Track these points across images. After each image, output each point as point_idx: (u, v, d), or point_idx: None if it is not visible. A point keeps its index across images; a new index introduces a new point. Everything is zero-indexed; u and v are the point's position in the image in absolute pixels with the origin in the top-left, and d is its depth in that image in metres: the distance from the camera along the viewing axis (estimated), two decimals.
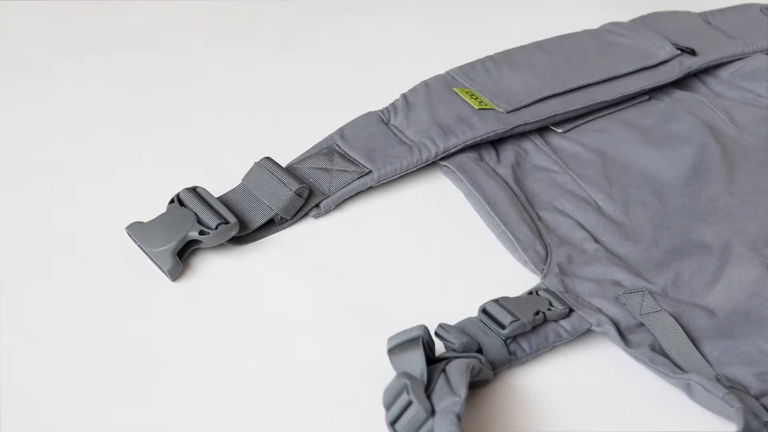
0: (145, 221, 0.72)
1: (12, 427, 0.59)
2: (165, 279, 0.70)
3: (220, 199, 0.75)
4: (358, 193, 0.79)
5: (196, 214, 0.71)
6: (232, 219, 0.71)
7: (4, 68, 0.95)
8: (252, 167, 0.77)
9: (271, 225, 0.75)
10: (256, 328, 0.67)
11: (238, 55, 0.99)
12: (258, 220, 0.74)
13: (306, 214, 0.77)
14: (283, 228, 0.76)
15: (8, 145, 0.84)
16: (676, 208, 0.78)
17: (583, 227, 0.76)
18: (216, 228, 0.70)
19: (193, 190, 0.74)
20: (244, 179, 0.77)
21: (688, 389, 0.61)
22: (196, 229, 0.70)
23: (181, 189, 0.74)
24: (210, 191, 0.75)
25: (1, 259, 0.71)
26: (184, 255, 0.71)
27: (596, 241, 0.75)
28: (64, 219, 0.76)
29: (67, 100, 0.90)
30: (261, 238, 0.75)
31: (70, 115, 0.88)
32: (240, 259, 0.73)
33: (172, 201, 0.74)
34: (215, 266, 0.72)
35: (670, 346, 0.65)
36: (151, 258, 0.71)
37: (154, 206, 0.75)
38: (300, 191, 0.75)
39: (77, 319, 0.67)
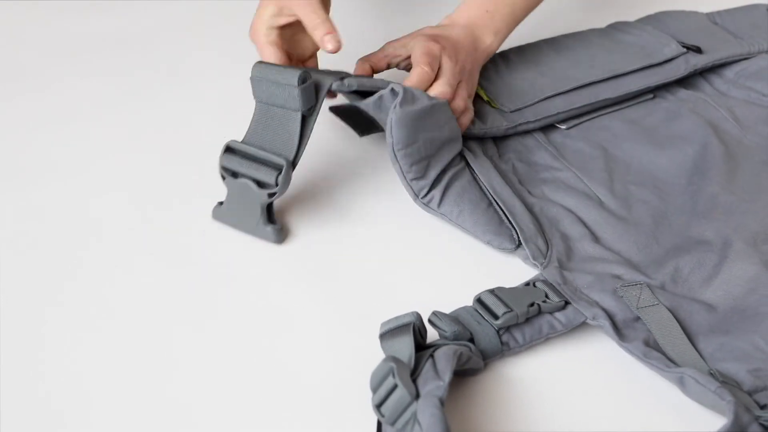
0: (220, 206, 0.76)
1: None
2: (171, 268, 0.72)
3: (247, 140, 0.75)
4: (357, 193, 0.80)
5: (254, 181, 0.73)
6: (282, 161, 0.73)
7: (4, 69, 0.96)
8: (252, 81, 0.76)
9: (308, 123, 0.74)
10: (263, 322, 0.68)
11: (238, 55, 0.97)
12: (294, 129, 0.74)
13: (329, 91, 0.75)
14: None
15: (9, 145, 0.85)
16: (678, 206, 0.78)
17: (584, 223, 0.76)
18: (276, 183, 0.72)
19: (231, 151, 0.75)
20: (255, 97, 0.76)
21: (680, 383, 0.61)
22: (264, 195, 0.73)
23: (219, 156, 0.75)
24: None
25: (11, 258, 0.73)
26: (273, 215, 0.75)
27: (596, 236, 0.75)
28: (67, 219, 0.76)
29: (67, 101, 0.91)
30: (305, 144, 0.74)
31: (70, 115, 0.89)
32: (249, 252, 0.74)
33: (223, 176, 0.75)
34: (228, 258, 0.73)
35: (665, 341, 0.65)
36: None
37: (156, 204, 0.77)
38: (304, 76, 0.73)
39: (93, 310, 0.68)
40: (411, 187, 0.76)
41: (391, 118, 0.73)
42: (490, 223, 0.74)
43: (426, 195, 0.76)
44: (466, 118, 0.80)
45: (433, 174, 0.76)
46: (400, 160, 0.74)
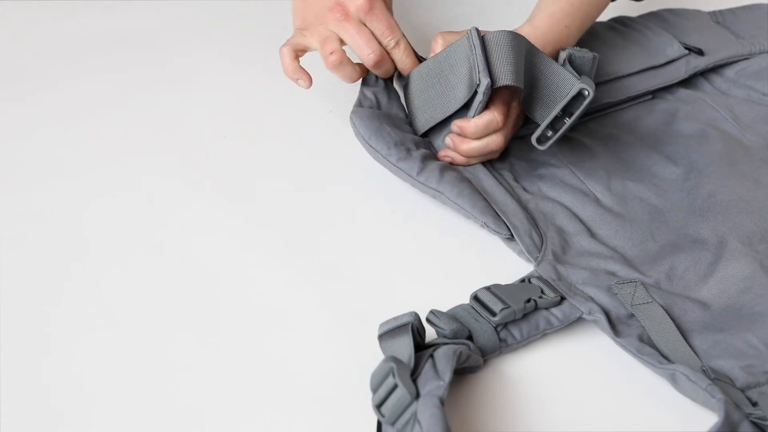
0: None
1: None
2: (171, 268, 0.72)
3: None
4: (354, 193, 0.80)
5: None
6: None
7: (4, 70, 0.96)
8: None
9: None
10: (262, 323, 0.68)
11: (238, 55, 0.98)
12: None
13: None
14: None
15: (9, 146, 0.85)
16: (675, 203, 0.79)
17: (580, 219, 0.77)
18: None
19: None
20: None
21: (672, 379, 0.62)
22: None
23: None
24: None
25: (12, 257, 0.73)
26: None
27: (592, 232, 0.76)
28: (68, 219, 0.77)
29: (67, 102, 0.91)
30: None
31: (70, 116, 0.89)
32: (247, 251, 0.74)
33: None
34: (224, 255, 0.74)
35: (659, 338, 0.66)
36: None
37: (156, 204, 0.77)
38: None
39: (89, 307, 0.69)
40: (401, 170, 0.76)
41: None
42: (488, 208, 0.75)
43: (421, 172, 0.76)
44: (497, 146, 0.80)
45: (417, 154, 0.77)
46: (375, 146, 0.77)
